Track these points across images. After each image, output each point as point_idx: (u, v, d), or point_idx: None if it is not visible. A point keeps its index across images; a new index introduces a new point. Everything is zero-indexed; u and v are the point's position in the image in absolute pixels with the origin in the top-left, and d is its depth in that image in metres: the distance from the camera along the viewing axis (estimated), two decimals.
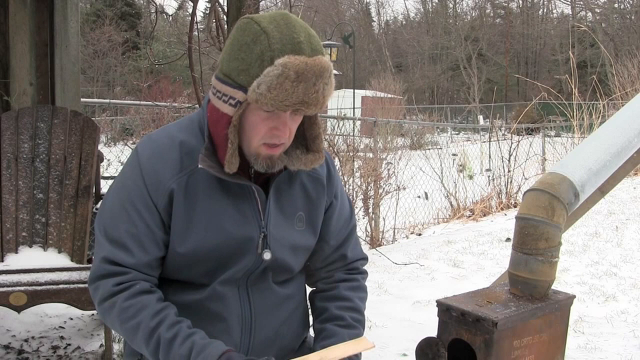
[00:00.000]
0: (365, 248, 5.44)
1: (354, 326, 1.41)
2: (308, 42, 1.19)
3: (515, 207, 7.78)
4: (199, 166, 1.23)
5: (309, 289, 1.52)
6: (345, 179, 5.71)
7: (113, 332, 2.74)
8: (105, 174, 5.17)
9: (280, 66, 1.14)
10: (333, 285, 1.47)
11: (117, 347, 2.78)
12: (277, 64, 1.15)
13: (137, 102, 10.79)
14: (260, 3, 3.86)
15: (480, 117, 25.16)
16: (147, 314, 1.22)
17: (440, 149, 11.11)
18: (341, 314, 1.42)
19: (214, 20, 3.98)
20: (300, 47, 1.17)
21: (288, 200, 1.36)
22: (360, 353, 1.40)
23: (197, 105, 4.30)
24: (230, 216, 1.28)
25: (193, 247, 1.27)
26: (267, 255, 1.31)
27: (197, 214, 1.27)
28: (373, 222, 5.97)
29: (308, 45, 1.18)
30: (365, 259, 1.53)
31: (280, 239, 1.33)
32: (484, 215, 7.44)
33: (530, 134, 10.60)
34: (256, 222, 1.30)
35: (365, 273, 1.53)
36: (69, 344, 2.85)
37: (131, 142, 9.24)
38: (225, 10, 3.74)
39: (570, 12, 37.58)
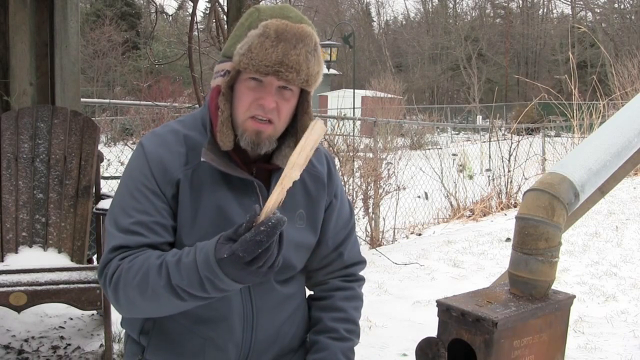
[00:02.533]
0: (365, 248, 5.44)
1: (347, 338, 1.42)
2: (297, 15, 1.23)
3: (515, 207, 7.77)
4: (202, 159, 1.23)
5: (308, 292, 1.52)
6: (345, 179, 5.71)
7: (113, 332, 2.74)
8: (105, 174, 5.18)
9: (262, 27, 1.19)
10: (328, 294, 1.46)
11: (117, 347, 2.77)
12: (260, 26, 1.20)
13: (137, 102, 10.79)
14: (260, 3, 3.86)
15: (479, 117, 25.11)
16: (152, 259, 1.19)
17: (440, 149, 11.12)
18: (335, 325, 1.42)
19: (214, 20, 3.98)
20: (286, 15, 1.22)
21: (289, 197, 1.35)
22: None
23: (197, 105, 4.30)
24: (233, 209, 1.28)
25: (198, 239, 1.27)
26: None
27: (202, 207, 1.27)
28: (373, 222, 5.96)
29: (296, 17, 1.23)
30: (363, 262, 1.52)
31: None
32: (484, 215, 7.44)
33: (530, 134, 10.59)
34: None
35: (362, 280, 1.51)
36: (69, 344, 2.85)
37: (131, 142, 9.24)
38: (225, 10, 3.74)
39: (570, 12, 37.61)
